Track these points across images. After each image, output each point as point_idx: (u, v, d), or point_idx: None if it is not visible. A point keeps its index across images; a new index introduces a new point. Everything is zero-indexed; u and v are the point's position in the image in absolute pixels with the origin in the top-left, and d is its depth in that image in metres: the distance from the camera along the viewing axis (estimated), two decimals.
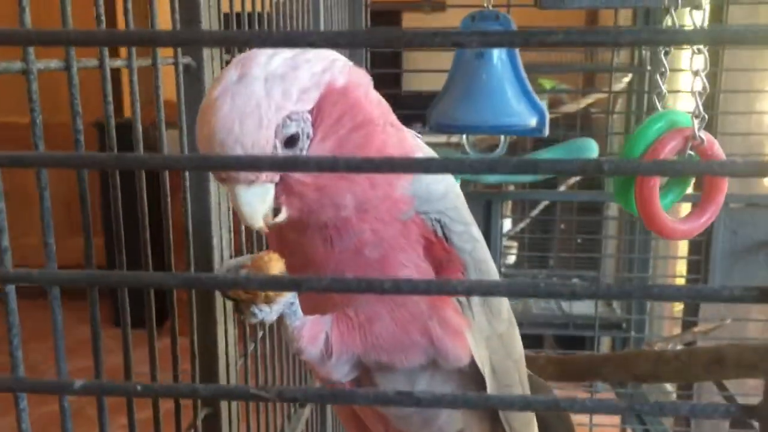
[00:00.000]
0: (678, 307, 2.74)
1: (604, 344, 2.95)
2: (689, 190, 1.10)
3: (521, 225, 2.90)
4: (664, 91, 1.05)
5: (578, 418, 1.91)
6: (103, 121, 0.63)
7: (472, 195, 1.62)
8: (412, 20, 4.02)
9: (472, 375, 0.66)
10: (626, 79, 2.69)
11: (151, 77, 0.69)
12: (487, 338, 0.67)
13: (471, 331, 0.65)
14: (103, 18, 0.59)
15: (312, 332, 0.62)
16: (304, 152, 0.57)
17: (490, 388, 0.67)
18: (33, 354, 3.04)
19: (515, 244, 2.91)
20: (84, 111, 0.57)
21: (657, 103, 1.03)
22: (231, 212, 0.86)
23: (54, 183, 0.56)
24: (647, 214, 0.98)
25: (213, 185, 0.80)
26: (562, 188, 2.71)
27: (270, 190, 0.57)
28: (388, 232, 0.62)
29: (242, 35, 0.33)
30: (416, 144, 0.67)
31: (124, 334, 0.67)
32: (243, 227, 0.89)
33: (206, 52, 0.77)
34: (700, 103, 0.98)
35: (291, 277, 0.34)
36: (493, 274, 0.70)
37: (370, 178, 0.59)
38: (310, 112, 0.56)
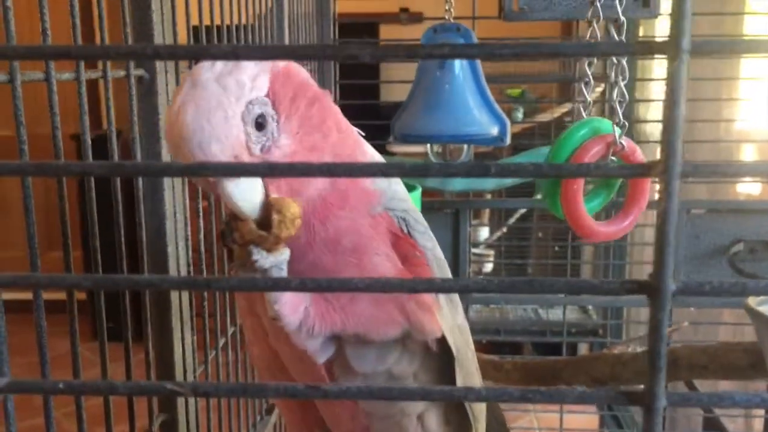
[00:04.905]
0: None
1: (582, 350, 2.97)
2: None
3: (498, 233, 2.93)
4: (589, 99, 1.08)
5: (547, 421, 1.93)
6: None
7: (440, 204, 1.64)
8: (389, 32, 4.05)
9: (437, 357, 0.71)
10: (599, 89, 2.74)
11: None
12: (451, 328, 0.72)
13: (440, 314, 0.69)
14: (79, 29, 0.61)
15: (294, 301, 0.64)
16: (275, 134, 0.61)
17: (458, 373, 0.71)
18: (15, 369, 3.03)
19: (492, 252, 2.93)
20: (63, 123, 0.60)
21: (582, 111, 1.07)
22: (188, 221, 0.87)
23: (34, 194, 0.58)
24: (571, 216, 1.02)
25: (167, 194, 0.81)
26: (539, 196, 2.74)
27: (258, 180, 0.59)
28: (362, 223, 0.65)
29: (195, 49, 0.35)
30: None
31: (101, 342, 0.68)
32: (201, 236, 0.90)
33: (159, 65, 0.78)
34: (620, 112, 1.02)
35: (206, 279, 0.35)
36: (448, 271, 0.76)
37: (338, 152, 0.64)
38: (267, 96, 0.60)
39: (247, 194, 0.58)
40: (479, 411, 0.77)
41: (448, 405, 0.75)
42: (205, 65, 0.59)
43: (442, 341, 0.69)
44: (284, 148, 0.61)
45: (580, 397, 0.35)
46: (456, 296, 0.75)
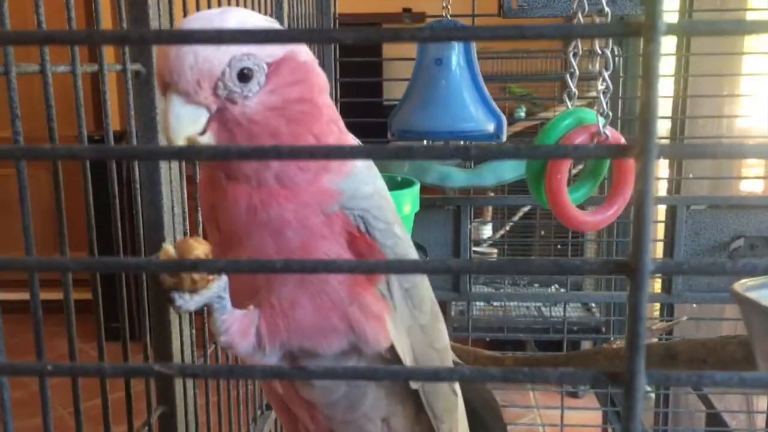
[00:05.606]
0: (656, 310, 2.77)
1: (586, 347, 2.97)
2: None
3: (501, 231, 2.93)
4: (574, 90, 1.09)
5: (550, 418, 1.93)
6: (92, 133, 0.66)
7: (441, 200, 1.65)
8: None
9: (395, 362, 0.68)
10: (601, 87, 2.75)
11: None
12: (409, 327, 0.69)
13: (392, 318, 0.67)
14: (74, 22, 0.62)
15: (242, 327, 0.63)
16: (251, 96, 0.59)
17: (412, 382, 0.69)
18: None
19: (496, 250, 2.94)
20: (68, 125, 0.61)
21: (568, 102, 1.07)
22: (186, 215, 0.88)
23: (41, 196, 0.59)
24: (556, 205, 1.02)
25: (165, 188, 0.82)
26: None
27: (203, 115, 0.59)
28: (312, 220, 0.63)
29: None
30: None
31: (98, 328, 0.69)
32: (201, 228, 0.91)
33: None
34: (603, 102, 1.02)
35: (192, 260, 0.36)
36: None
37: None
38: (269, 65, 0.60)
39: (185, 116, 0.58)
40: (444, 411, 0.75)
41: (418, 407, 0.73)
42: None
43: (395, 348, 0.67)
44: (246, 111, 0.59)
45: (562, 377, 0.35)
46: (423, 291, 0.72)
